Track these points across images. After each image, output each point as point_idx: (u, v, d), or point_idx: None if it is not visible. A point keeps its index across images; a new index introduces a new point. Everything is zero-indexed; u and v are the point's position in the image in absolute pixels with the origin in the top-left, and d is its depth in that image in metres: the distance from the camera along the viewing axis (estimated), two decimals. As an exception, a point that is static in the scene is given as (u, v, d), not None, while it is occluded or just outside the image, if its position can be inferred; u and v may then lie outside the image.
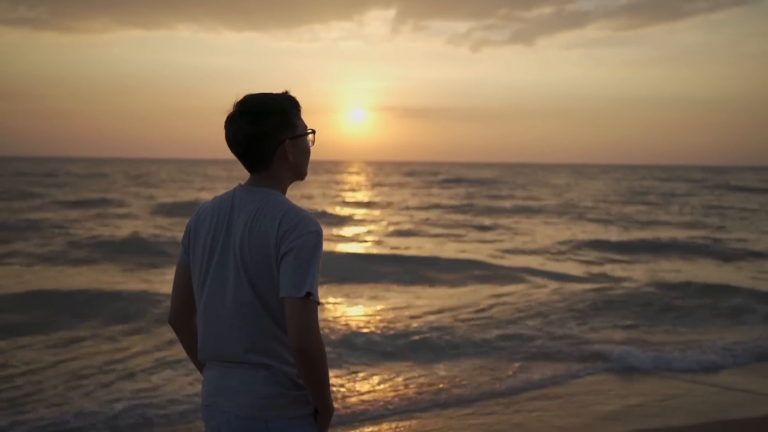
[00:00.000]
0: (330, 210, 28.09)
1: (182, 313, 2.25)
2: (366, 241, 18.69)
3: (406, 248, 16.87)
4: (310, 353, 1.95)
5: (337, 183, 57.04)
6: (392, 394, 6.25)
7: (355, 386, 6.46)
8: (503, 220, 24.63)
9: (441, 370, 6.98)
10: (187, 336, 2.28)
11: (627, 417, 5.69)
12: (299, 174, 2.21)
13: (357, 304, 10.24)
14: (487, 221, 24.16)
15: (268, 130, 2.10)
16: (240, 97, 2.12)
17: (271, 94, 2.14)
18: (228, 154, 2.15)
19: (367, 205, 32.89)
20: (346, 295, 10.84)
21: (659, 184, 58.84)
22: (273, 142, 2.11)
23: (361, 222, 24.40)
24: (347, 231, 21.27)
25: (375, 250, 16.47)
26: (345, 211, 28.06)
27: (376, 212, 28.39)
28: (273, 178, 2.15)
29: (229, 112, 2.12)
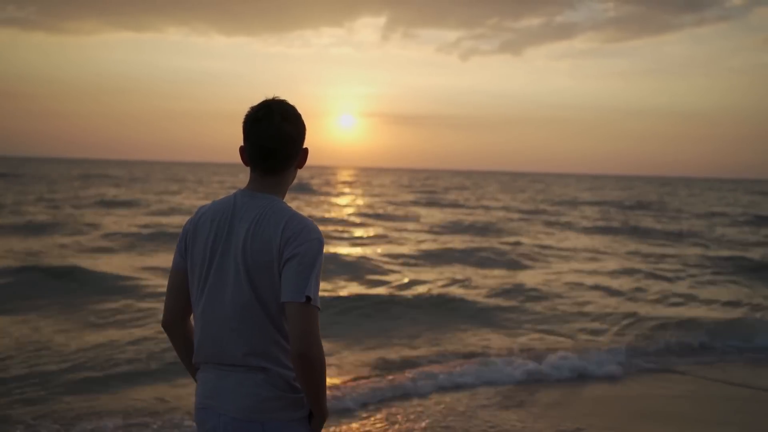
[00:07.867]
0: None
1: (177, 317, 2.25)
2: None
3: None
4: (310, 357, 1.98)
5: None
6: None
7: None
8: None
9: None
10: (180, 340, 2.28)
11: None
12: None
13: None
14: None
15: (300, 133, 2.16)
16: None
17: None
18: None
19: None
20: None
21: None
22: (300, 146, 2.18)
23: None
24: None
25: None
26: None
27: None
28: (280, 183, 2.18)
29: (253, 113, 2.13)
